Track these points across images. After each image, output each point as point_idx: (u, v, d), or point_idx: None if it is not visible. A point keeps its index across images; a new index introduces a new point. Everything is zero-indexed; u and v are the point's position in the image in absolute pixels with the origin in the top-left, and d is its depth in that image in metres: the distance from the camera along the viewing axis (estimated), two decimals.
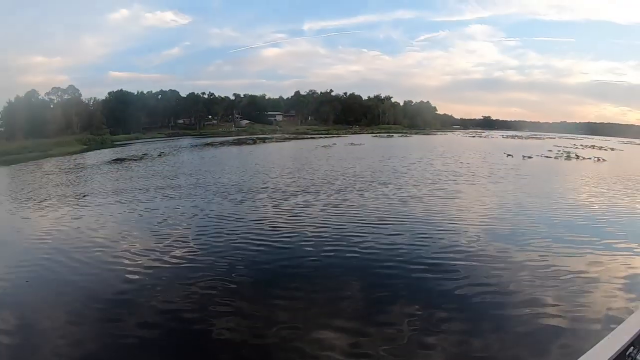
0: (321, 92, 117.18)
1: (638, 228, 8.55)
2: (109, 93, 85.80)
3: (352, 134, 71.17)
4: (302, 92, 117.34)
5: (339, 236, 7.23)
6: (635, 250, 6.77)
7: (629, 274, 5.73)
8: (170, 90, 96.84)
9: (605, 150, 42.67)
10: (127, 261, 6.13)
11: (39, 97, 65.58)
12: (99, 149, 39.76)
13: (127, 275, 5.55)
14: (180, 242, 7.01)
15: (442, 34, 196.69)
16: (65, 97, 73.49)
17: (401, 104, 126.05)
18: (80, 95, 76.67)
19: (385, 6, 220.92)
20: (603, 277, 5.61)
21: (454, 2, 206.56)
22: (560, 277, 5.51)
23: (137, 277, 5.48)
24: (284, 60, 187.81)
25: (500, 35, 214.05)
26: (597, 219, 9.19)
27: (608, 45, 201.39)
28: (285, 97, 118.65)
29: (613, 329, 1.87)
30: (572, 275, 5.58)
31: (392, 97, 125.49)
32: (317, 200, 10.34)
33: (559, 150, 35.59)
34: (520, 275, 5.55)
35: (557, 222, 8.70)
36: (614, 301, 4.81)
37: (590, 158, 29.92)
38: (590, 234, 7.72)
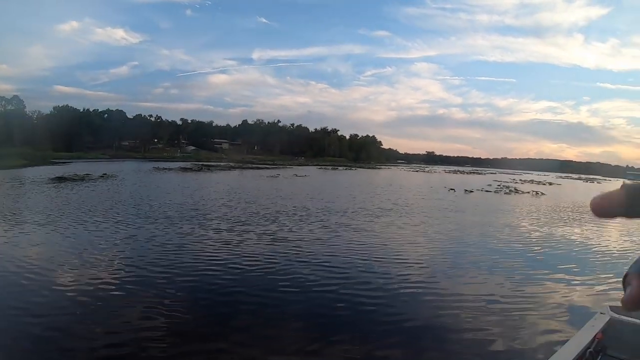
0: (268, 122, 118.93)
1: (573, 256, 9.54)
2: (55, 108, 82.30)
3: (298, 165, 73.28)
4: (250, 121, 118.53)
5: (279, 270, 7.18)
6: (574, 276, 7.57)
7: (567, 298, 6.33)
8: (117, 110, 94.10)
9: (544, 184, 45.28)
10: (60, 283, 6.06)
11: None
12: (40, 165, 38.02)
13: (60, 300, 5.43)
14: (119, 268, 6.87)
15: (389, 70, 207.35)
16: (9, 107, 69.31)
17: (347, 137, 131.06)
18: (24, 107, 73.13)
19: (335, 40, 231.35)
20: (542, 302, 6.01)
21: (401, 40, 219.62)
22: (501, 302, 5.84)
23: (67, 303, 5.36)
24: (232, 88, 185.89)
25: (445, 74, 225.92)
26: (534, 248, 10.03)
27: (547, 85, 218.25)
28: (232, 125, 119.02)
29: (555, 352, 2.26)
30: (512, 301, 5.94)
31: (338, 130, 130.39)
32: (254, 234, 10.31)
33: (499, 185, 37.01)
34: (465, 304, 5.75)
35: (497, 252, 9.41)
36: (553, 324, 5.18)
37: (529, 192, 31.05)
38: (528, 263, 8.46)
